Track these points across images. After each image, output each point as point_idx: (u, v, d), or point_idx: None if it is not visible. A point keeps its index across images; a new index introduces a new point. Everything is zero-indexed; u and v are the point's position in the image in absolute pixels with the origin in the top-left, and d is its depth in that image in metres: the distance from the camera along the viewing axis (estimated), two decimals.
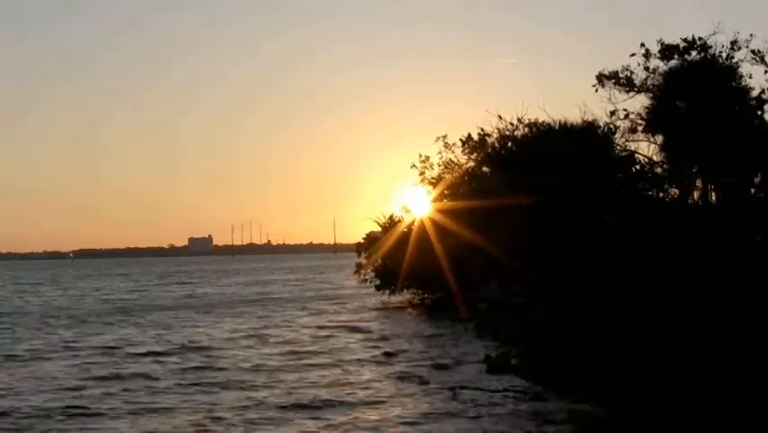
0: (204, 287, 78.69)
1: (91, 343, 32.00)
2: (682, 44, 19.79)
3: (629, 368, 15.63)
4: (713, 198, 18.71)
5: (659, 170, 19.19)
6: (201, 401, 19.52)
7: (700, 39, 19.73)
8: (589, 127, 19.60)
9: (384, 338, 31.70)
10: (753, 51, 19.38)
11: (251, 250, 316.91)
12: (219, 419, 17.66)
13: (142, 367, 25.04)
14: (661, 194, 19.01)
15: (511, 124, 22.68)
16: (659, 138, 19.25)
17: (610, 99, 20.34)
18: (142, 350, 29.21)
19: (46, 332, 36.93)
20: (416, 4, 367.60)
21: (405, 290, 49.23)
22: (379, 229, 50.36)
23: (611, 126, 19.96)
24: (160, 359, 26.60)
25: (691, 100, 18.68)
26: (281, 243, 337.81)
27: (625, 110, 20.16)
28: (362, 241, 52.44)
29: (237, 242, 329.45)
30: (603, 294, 16.63)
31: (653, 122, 19.14)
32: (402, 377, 22.30)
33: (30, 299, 64.38)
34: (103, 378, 23.12)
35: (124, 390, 21.15)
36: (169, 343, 31.32)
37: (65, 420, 17.99)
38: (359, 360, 25.93)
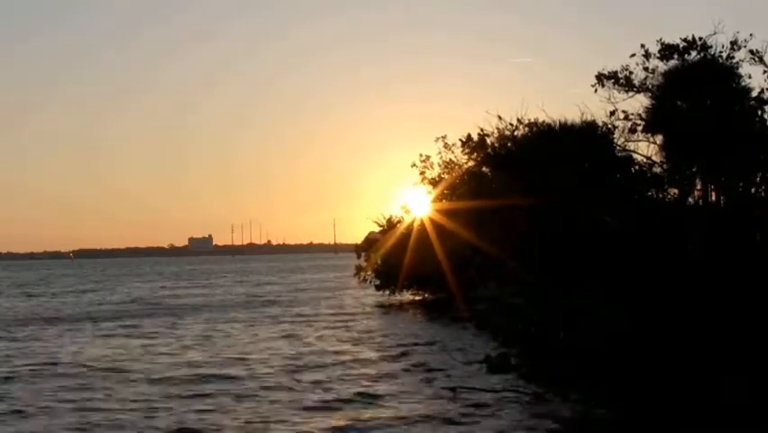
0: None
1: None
2: (682, 44, 19.80)
3: (629, 368, 15.62)
4: (713, 198, 18.71)
5: (659, 170, 19.20)
6: None
7: (700, 39, 19.74)
8: (588, 127, 19.61)
9: (382, 338, 31.69)
10: (751, 51, 19.40)
11: (250, 250, 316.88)
12: None
13: None
14: (660, 194, 19.01)
15: (511, 124, 22.72)
16: (659, 138, 19.27)
17: (610, 99, 20.38)
18: None
19: None
20: (416, 5, 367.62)
21: (405, 290, 49.23)
22: (378, 230, 50.37)
23: (610, 126, 19.98)
24: None
25: (691, 100, 18.69)
26: (281, 243, 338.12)
27: (624, 111, 20.19)
28: (361, 243, 52.45)
29: (237, 242, 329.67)
30: (603, 294, 16.63)
31: (652, 122, 19.15)
32: (401, 377, 22.28)
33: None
34: None
35: None
36: None
37: None
38: (357, 360, 25.91)
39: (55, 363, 26.21)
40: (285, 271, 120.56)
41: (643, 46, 20.07)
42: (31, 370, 24.88)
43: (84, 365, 25.56)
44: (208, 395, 20.17)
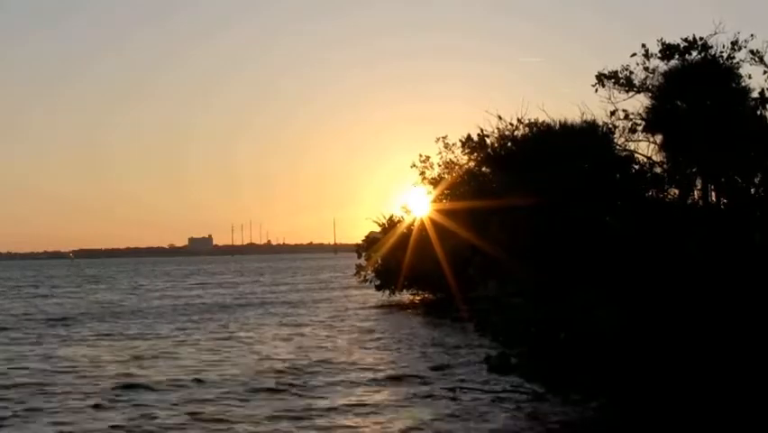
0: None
1: None
2: (683, 44, 19.76)
3: (629, 369, 15.62)
4: (713, 198, 18.68)
5: (659, 170, 19.17)
6: None
7: (701, 39, 19.70)
8: (588, 127, 19.57)
9: (382, 338, 31.70)
10: (752, 52, 19.36)
11: (250, 250, 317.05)
12: None
13: None
14: (661, 194, 18.98)
15: (511, 124, 22.65)
16: (659, 138, 19.23)
17: (610, 99, 20.32)
18: None
19: None
20: (416, 7, 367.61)
21: (405, 290, 49.21)
22: (378, 230, 50.39)
23: (611, 126, 19.93)
24: None
25: (691, 100, 18.66)
26: (281, 243, 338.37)
27: (624, 111, 20.14)
28: (362, 242, 52.45)
29: (237, 242, 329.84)
30: (603, 294, 16.62)
31: (652, 122, 19.11)
32: (401, 377, 22.28)
33: None
34: None
35: None
36: None
37: None
38: (357, 360, 25.90)
39: None
40: (287, 272, 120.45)
41: (643, 46, 20.02)
42: None
43: None
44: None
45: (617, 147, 19.73)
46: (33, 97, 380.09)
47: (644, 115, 19.52)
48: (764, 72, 19.52)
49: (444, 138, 45.17)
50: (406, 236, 45.94)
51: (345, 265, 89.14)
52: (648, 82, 19.94)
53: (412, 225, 46.45)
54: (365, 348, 28.83)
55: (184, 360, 26.73)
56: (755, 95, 19.06)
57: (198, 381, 22.23)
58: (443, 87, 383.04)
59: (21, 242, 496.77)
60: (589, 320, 16.08)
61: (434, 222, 41.89)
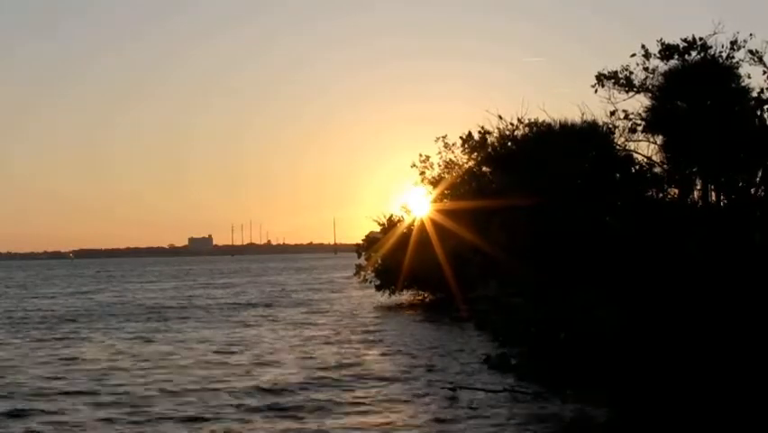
0: None
1: None
2: (682, 44, 19.78)
3: (629, 369, 15.62)
4: (713, 198, 18.70)
5: (659, 170, 19.19)
6: None
7: (700, 39, 19.73)
8: (588, 127, 19.60)
9: (383, 338, 31.69)
10: (751, 52, 19.38)
11: (250, 250, 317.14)
12: None
13: None
14: (661, 194, 19.01)
15: (511, 124, 22.71)
16: (659, 138, 19.25)
17: (610, 99, 20.36)
18: None
19: None
20: (415, 7, 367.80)
21: (405, 290, 49.16)
22: (378, 230, 50.35)
23: (611, 126, 19.96)
24: None
25: (691, 100, 18.68)
26: (281, 243, 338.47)
27: (624, 111, 20.17)
28: (362, 242, 52.40)
29: (237, 242, 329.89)
30: (603, 294, 16.63)
31: (652, 122, 19.13)
32: (401, 377, 22.28)
33: None
34: None
35: None
36: None
37: None
38: (357, 362, 25.89)
39: None
40: (287, 272, 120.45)
41: (643, 46, 20.06)
42: None
43: None
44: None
45: (617, 147, 19.75)
46: (34, 97, 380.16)
47: (643, 115, 19.54)
48: (764, 72, 19.55)
49: (444, 137, 45.22)
50: (406, 236, 45.89)
51: (345, 265, 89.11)
52: (648, 82, 19.97)
53: (412, 225, 46.42)
54: (365, 350, 28.80)
55: (184, 363, 26.73)
56: (755, 94, 19.09)
57: (201, 389, 22.06)
58: (443, 87, 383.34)
59: (21, 242, 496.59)
60: (589, 320, 16.09)
61: (434, 222, 41.91)
